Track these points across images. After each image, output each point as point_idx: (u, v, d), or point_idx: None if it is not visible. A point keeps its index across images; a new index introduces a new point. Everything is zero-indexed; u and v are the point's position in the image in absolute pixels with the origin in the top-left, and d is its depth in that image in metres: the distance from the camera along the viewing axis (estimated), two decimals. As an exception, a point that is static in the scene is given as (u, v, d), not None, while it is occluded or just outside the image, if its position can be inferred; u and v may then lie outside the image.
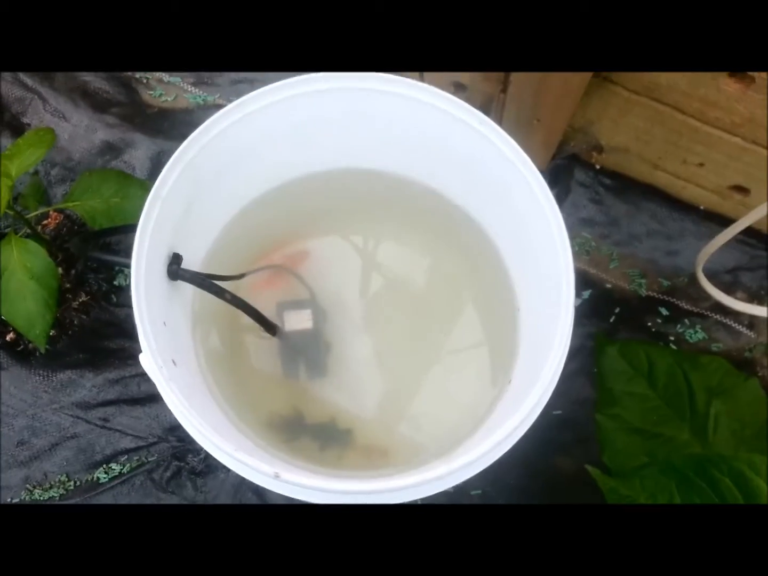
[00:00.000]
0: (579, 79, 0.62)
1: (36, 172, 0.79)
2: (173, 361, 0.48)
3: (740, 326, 0.74)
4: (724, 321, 0.74)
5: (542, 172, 0.79)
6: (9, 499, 0.72)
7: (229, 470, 0.71)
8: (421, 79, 0.72)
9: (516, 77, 0.64)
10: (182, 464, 0.72)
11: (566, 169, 0.78)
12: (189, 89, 0.83)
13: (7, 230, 0.77)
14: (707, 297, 0.73)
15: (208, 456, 0.72)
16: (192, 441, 0.72)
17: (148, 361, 0.46)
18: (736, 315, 0.74)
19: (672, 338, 0.74)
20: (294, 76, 0.53)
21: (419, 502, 0.72)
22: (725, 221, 0.75)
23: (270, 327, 0.59)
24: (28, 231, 0.72)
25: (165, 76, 0.84)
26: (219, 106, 0.83)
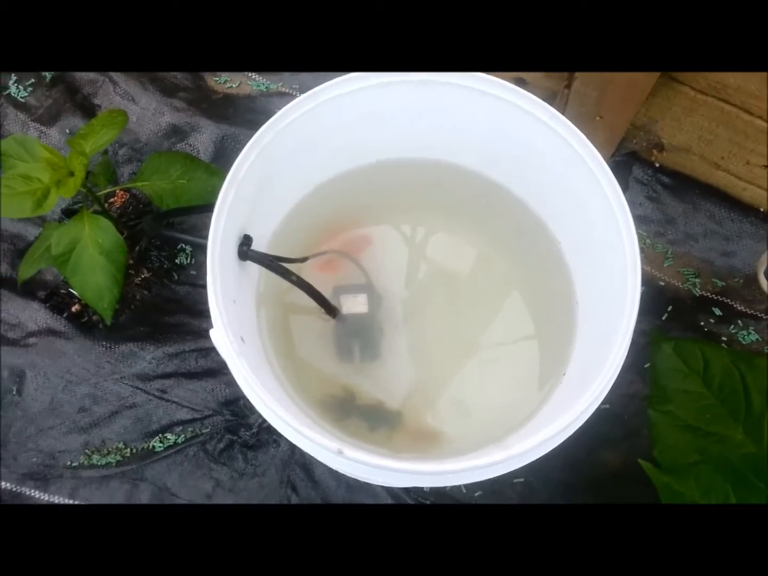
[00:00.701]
0: (645, 78, 0.62)
1: (106, 152, 0.82)
2: (242, 338, 0.51)
3: (796, 330, 0.73)
4: (780, 324, 0.74)
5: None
6: (69, 462, 0.75)
7: (279, 445, 0.74)
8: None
9: (580, 74, 0.65)
10: (234, 437, 0.74)
11: (625, 166, 0.78)
12: (253, 76, 0.85)
13: (76, 207, 0.80)
14: (762, 299, 0.72)
15: (259, 431, 0.74)
16: (245, 415, 0.75)
17: (220, 336, 0.48)
18: (792, 319, 0.73)
19: (724, 339, 0.74)
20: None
21: (463, 489, 0.74)
22: (786, 224, 0.74)
23: (331, 309, 0.61)
24: (98, 208, 0.75)
25: (231, 61, 0.86)
26: (281, 94, 0.85)
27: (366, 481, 0.68)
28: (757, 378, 0.56)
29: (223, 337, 0.48)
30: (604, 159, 0.77)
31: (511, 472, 0.71)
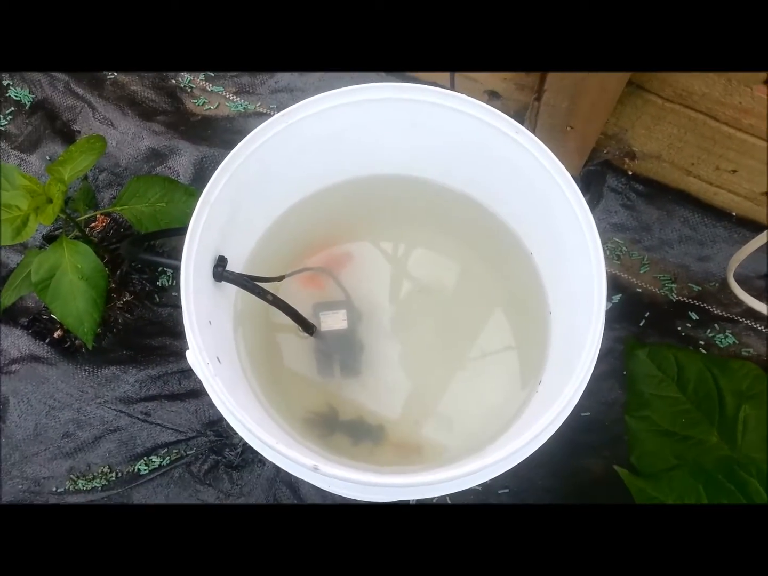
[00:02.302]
0: (613, 88, 0.63)
1: (86, 177, 0.83)
2: (218, 359, 0.51)
3: (772, 332, 0.74)
4: (755, 326, 0.74)
5: (575, 177, 0.80)
6: (54, 488, 0.75)
7: (264, 464, 0.74)
8: (453, 83, 0.74)
9: (550, 86, 0.66)
10: (219, 458, 0.74)
11: (599, 175, 0.79)
12: (231, 98, 0.86)
13: (58, 232, 0.81)
14: (738, 302, 0.73)
15: (244, 450, 0.74)
16: (229, 436, 0.75)
17: (195, 357, 0.48)
18: (766, 320, 0.74)
19: (702, 343, 0.75)
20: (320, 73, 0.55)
21: (448, 500, 0.74)
22: (758, 227, 0.75)
23: (308, 327, 0.61)
24: (78, 233, 0.75)
25: (208, 85, 0.87)
26: (259, 114, 0.86)
27: (349, 497, 0.68)
28: (730, 381, 0.57)
29: (198, 358, 0.48)
30: (577, 168, 0.79)
31: (496, 482, 0.71)
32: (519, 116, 0.78)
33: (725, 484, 0.44)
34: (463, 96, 0.53)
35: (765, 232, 0.61)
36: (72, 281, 0.69)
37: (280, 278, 0.62)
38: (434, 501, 0.73)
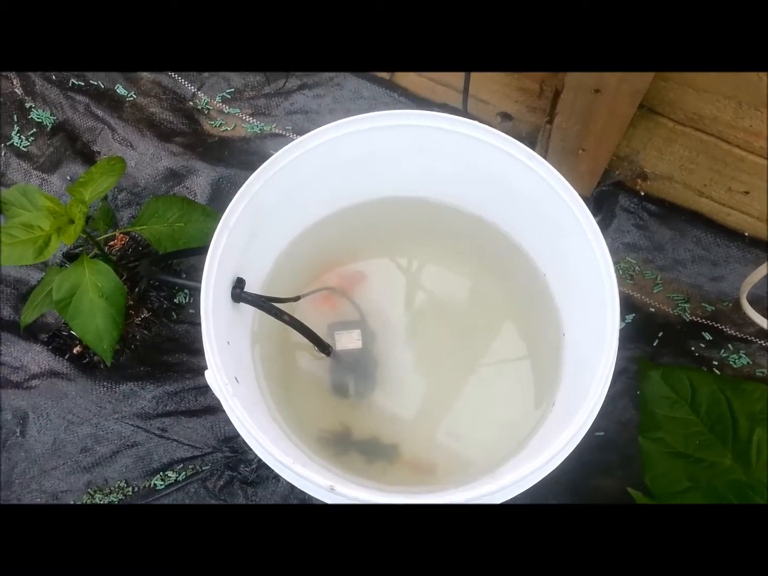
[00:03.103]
0: (624, 111, 0.64)
1: (105, 197, 0.84)
2: (236, 378, 0.52)
3: (786, 353, 0.74)
4: (769, 347, 0.74)
5: (587, 198, 0.82)
6: (72, 502, 0.76)
7: (279, 481, 0.75)
8: (465, 104, 0.75)
9: (562, 109, 0.67)
10: (234, 474, 0.75)
11: (611, 195, 0.80)
12: (247, 119, 0.88)
13: (78, 250, 0.82)
14: (752, 323, 0.73)
15: (259, 466, 0.75)
16: (244, 452, 0.76)
17: (213, 377, 0.49)
18: (781, 341, 0.74)
19: (715, 363, 0.75)
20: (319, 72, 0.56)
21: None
22: (771, 248, 0.75)
23: (324, 347, 0.62)
24: (98, 252, 0.77)
25: (225, 107, 0.89)
26: (275, 135, 0.88)
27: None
28: (744, 403, 0.57)
29: (217, 378, 0.49)
30: (589, 189, 0.79)
31: (510, 500, 0.71)
32: (531, 138, 0.79)
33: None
34: (476, 123, 0.54)
35: (777, 255, 0.61)
36: (92, 299, 0.70)
37: (297, 299, 0.63)
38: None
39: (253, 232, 0.57)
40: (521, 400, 0.64)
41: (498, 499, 0.48)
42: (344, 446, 0.64)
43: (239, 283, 0.55)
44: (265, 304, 0.56)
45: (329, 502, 0.53)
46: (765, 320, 0.64)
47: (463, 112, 0.63)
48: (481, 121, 0.54)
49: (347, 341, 0.67)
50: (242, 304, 0.57)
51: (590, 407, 0.45)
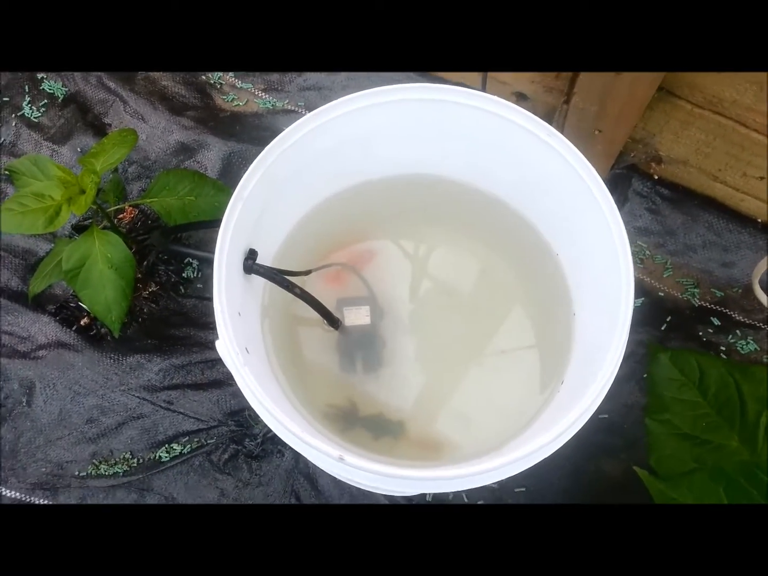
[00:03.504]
0: (643, 93, 0.64)
1: (116, 170, 0.84)
2: (246, 349, 0.52)
3: (794, 340, 0.74)
4: (778, 334, 0.74)
5: (600, 181, 0.81)
6: (77, 472, 0.77)
7: (283, 455, 0.75)
8: (484, 85, 0.75)
9: (580, 89, 0.66)
10: (239, 447, 0.76)
11: (624, 178, 0.80)
12: (260, 95, 0.87)
13: (87, 222, 0.82)
14: (760, 309, 0.73)
15: (264, 441, 0.75)
16: (250, 426, 0.76)
17: (225, 347, 0.49)
18: (790, 328, 0.74)
19: (723, 348, 0.75)
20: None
21: (465, 497, 0.75)
22: (784, 235, 0.75)
23: (334, 321, 0.62)
24: (108, 224, 0.77)
25: (238, 81, 0.88)
26: (288, 111, 0.87)
27: (367, 489, 0.69)
28: (753, 387, 0.57)
29: (228, 348, 0.49)
30: (603, 171, 0.79)
31: (513, 480, 0.72)
32: (547, 118, 0.77)
33: (746, 487, 0.44)
34: (494, 97, 0.54)
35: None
36: (102, 270, 0.70)
37: (307, 272, 0.63)
38: (451, 498, 0.74)
39: (266, 205, 0.56)
40: (528, 378, 0.64)
41: (502, 475, 0.48)
42: (351, 422, 0.65)
43: (252, 254, 0.55)
44: (276, 276, 0.56)
45: (334, 474, 0.53)
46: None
47: (481, 90, 0.62)
48: (497, 100, 0.54)
49: (356, 317, 0.67)
50: (254, 277, 0.57)
51: (601, 385, 0.45)
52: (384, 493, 0.74)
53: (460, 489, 0.50)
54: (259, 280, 0.58)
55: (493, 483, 0.73)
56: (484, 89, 0.74)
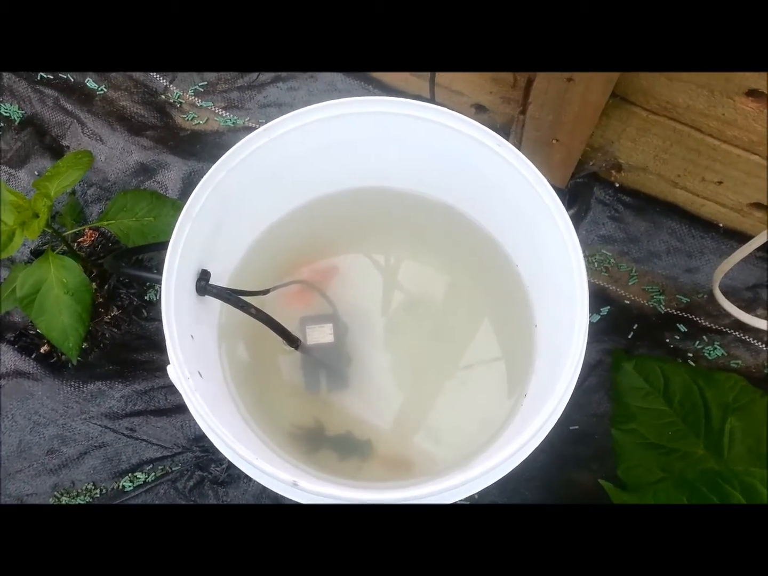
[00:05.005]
0: (596, 100, 0.64)
1: (73, 192, 0.83)
2: (199, 373, 0.51)
3: (760, 343, 0.74)
4: (744, 338, 0.74)
5: (562, 190, 0.81)
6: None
7: (250, 480, 0.73)
8: (432, 94, 0.74)
9: (534, 99, 0.66)
10: (205, 474, 0.74)
11: (586, 187, 0.80)
12: (220, 113, 0.86)
13: (45, 247, 0.81)
14: (727, 314, 0.73)
15: (230, 466, 0.74)
16: (215, 451, 0.74)
17: (175, 372, 0.48)
18: (755, 332, 0.74)
19: (690, 355, 0.74)
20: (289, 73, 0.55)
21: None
22: (745, 239, 0.75)
23: (292, 341, 0.61)
24: (65, 248, 0.75)
25: (197, 100, 0.87)
26: (248, 128, 0.86)
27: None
28: (717, 393, 0.57)
29: (178, 373, 0.48)
30: (564, 180, 0.79)
31: (485, 495, 0.71)
32: (506, 129, 0.78)
33: (709, 496, 0.43)
34: (442, 109, 0.53)
35: (748, 244, 0.61)
36: (57, 296, 0.68)
37: (265, 292, 0.62)
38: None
39: (219, 223, 0.55)
40: (496, 391, 0.63)
41: (470, 491, 0.47)
42: (316, 443, 0.63)
43: (204, 275, 0.54)
44: (231, 297, 0.55)
45: (301, 501, 0.52)
46: (737, 309, 0.64)
47: (432, 102, 0.62)
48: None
49: (319, 335, 0.66)
50: (208, 298, 0.55)
51: (559, 396, 0.45)
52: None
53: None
54: (214, 302, 0.57)
55: (464, 500, 0.72)
56: (432, 98, 0.74)
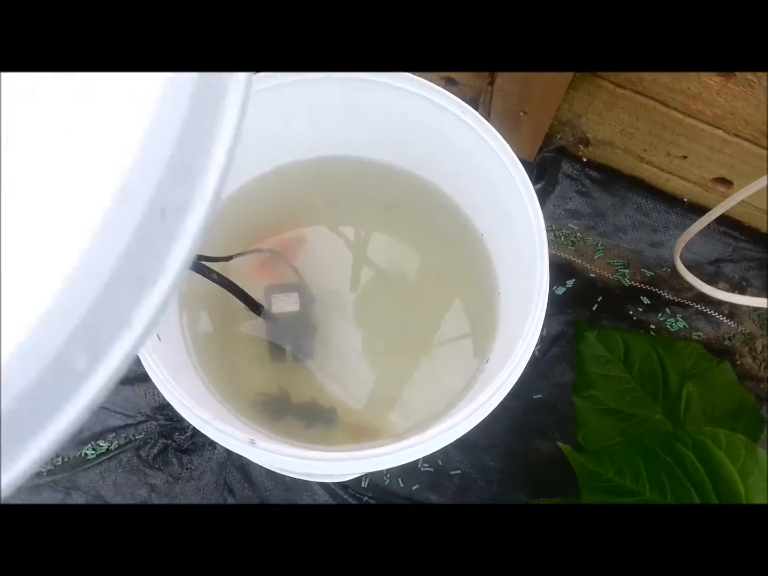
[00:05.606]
0: (562, 73, 0.64)
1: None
2: (158, 336, 0.50)
3: (720, 316, 0.75)
4: (705, 310, 0.75)
5: (530, 163, 0.81)
6: None
7: (215, 447, 0.73)
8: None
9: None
10: (169, 442, 0.73)
11: (554, 161, 0.80)
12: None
13: None
14: (689, 287, 0.74)
15: (194, 434, 0.73)
16: (179, 419, 0.74)
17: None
18: (716, 305, 0.75)
19: (653, 327, 0.76)
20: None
21: (401, 482, 0.74)
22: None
23: (255, 306, 0.60)
24: None
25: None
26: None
27: (300, 477, 0.67)
28: (675, 360, 0.58)
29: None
30: (532, 153, 0.79)
31: (449, 464, 0.71)
32: (475, 101, 0.78)
33: (663, 456, 0.44)
34: (411, 75, 0.53)
35: (706, 215, 0.62)
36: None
37: (228, 258, 0.61)
38: (386, 482, 0.73)
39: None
40: (462, 360, 0.63)
41: (424, 452, 0.47)
42: (281, 411, 0.63)
43: (163, 238, 0.53)
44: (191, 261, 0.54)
45: (259, 462, 0.52)
46: (698, 280, 0.65)
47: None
48: (425, 86, 0.53)
49: (284, 304, 0.66)
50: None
51: (518, 357, 0.45)
52: (316, 480, 0.72)
53: (380, 468, 0.49)
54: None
55: (428, 467, 0.72)
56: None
